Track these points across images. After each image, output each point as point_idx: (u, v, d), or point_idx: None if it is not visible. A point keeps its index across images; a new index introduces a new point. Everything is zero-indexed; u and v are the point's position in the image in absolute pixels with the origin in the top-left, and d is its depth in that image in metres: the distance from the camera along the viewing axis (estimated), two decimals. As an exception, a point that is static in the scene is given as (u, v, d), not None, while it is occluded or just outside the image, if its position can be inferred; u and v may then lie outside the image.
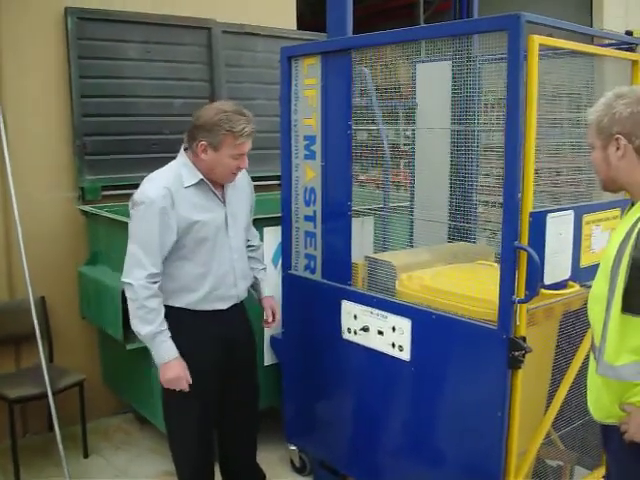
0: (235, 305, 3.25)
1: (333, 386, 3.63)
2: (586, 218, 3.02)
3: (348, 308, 3.43)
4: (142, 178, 4.75)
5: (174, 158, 4.90)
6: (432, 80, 3.87)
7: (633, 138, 2.18)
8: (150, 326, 2.98)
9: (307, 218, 3.67)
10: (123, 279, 3.02)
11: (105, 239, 4.47)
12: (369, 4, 11.19)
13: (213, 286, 3.12)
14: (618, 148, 2.21)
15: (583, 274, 3.03)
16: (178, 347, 3.04)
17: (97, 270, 4.43)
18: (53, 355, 4.55)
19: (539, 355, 2.94)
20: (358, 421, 3.51)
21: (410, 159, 3.96)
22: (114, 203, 4.71)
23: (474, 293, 3.02)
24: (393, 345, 3.23)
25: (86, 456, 4.34)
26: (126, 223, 3.97)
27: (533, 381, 2.97)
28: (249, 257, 3.38)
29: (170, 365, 3.02)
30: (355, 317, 3.40)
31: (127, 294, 3.02)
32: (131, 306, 3.00)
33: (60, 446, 3.95)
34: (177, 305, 3.11)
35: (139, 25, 4.86)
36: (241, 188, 3.28)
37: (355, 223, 3.50)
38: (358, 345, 3.41)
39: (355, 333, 3.40)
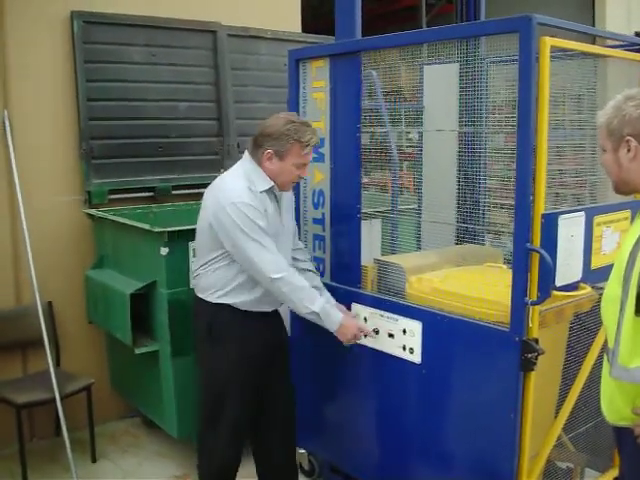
0: (276, 309, 3.37)
1: (343, 389, 3.63)
2: (597, 220, 3.01)
3: (358, 311, 3.42)
4: (148, 181, 4.85)
5: (179, 162, 4.99)
6: (439, 82, 3.86)
7: None
8: (316, 301, 3.14)
9: (315, 221, 3.67)
10: (269, 276, 3.06)
11: (112, 243, 4.47)
12: (371, 7, 11.19)
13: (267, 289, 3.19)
14: (629, 150, 2.21)
15: (594, 276, 3.02)
16: (228, 346, 3.19)
17: (104, 274, 4.43)
18: (60, 360, 4.54)
19: (549, 357, 2.93)
20: (368, 424, 3.50)
21: (418, 161, 3.95)
22: (121, 207, 4.72)
23: (484, 295, 3.01)
24: (404, 348, 3.22)
25: (94, 460, 4.33)
26: (132, 226, 4.03)
27: (543, 383, 2.96)
28: (301, 268, 3.45)
29: (345, 326, 3.20)
30: (365, 320, 3.39)
31: (282, 289, 3.09)
32: (291, 296, 3.11)
33: (68, 450, 3.95)
34: (229, 302, 3.20)
35: (145, 29, 4.86)
36: (287, 195, 3.37)
37: (363, 226, 3.50)
38: (368, 348, 3.40)
39: (365, 336, 3.39)
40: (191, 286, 3.47)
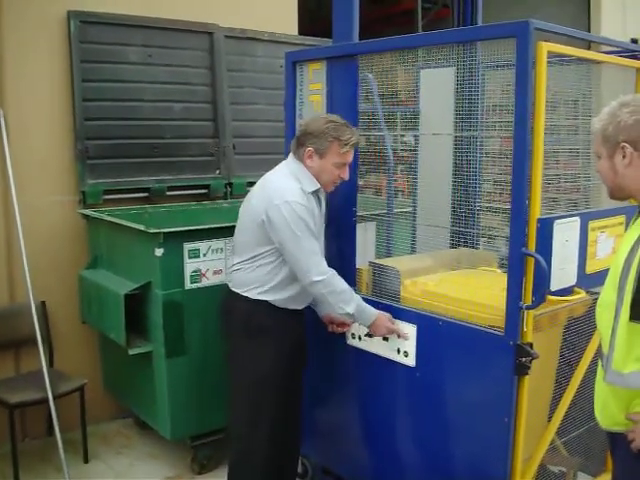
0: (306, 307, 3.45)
1: (337, 392, 3.63)
2: (592, 225, 3.03)
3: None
4: (143, 182, 4.84)
5: (175, 163, 4.98)
6: (436, 86, 3.87)
7: (639, 146, 2.20)
8: (352, 302, 3.17)
9: (311, 223, 3.66)
10: (312, 279, 3.12)
11: (106, 243, 4.47)
12: (368, 11, 11.20)
13: (303, 287, 3.24)
14: (624, 156, 2.22)
15: (589, 280, 3.03)
16: (266, 342, 3.26)
17: (98, 274, 4.42)
18: (53, 360, 4.53)
19: (543, 361, 2.93)
20: (362, 427, 3.50)
21: (413, 165, 3.95)
22: (115, 207, 4.72)
23: (478, 299, 3.02)
24: (398, 351, 3.22)
25: (86, 461, 4.32)
26: (127, 227, 4.02)
27: (536, 387, 2.97)
28: None
29: (378, 323, 3.21)
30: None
31: (321, 291, 3.15)
32: (329, 298, 3.16)
33: (61, 451, 3.93)
34: (268, 299, 3.26)
35: (141, 29, 4.86)
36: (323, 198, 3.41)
37: (358, 229, 3.50)
38: (363, 351, 3.40)
39: (360, 339, 3.40)
40: (226, 281, 3.48)
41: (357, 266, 3.48)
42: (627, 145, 2.20)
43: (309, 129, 3.21)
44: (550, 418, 3.15)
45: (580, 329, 3.16)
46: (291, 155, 3.31)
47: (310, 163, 3.22)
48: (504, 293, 2.80)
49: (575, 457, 3.37)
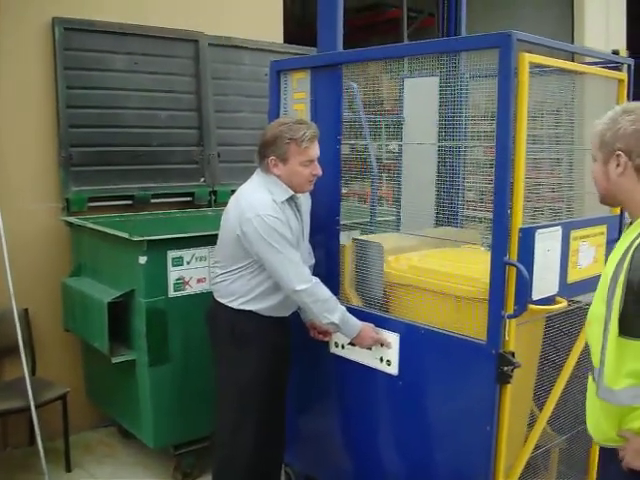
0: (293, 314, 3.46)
1: (320, 400, 3.63)
2: (574, 234, 3.04)
3: (336, 322, 3.42)
4: (127, 189, 4.83)
5: (159, 170, 4.98)
6: (420, 95, 3.89)
7: (634, 156, 2.16)
8: (337, 311, 3.18)
9: (295, 231, 3.66)
10: (294, 288, 3.12)
11: (90, 251, 4.46)
12: (353, 19, 11.24)
13: (287, 296, 3.25)
14: (618, 165, 2.18)
15: (570, 289, 3.05)
16: (251, 350, 3.27)
17: (82, 282, 4.41)
18: (36, 368, 4.50)
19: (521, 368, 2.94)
20: (345, 435, 3.50)
21: (397, 173, 3.96)
22: (99, 214, 4.70)
23: (463, 272, 3.02)
24: (381, 359, 3.23)
25: (69, 470, 4.29)
26: (110, 235, 4.02)
27: (514, 392, 2.97)
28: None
29: (362, 335, 3.21)
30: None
31: (304, 300, 3.16)
32: (313, 307, 3.17)
33: (43, 460, 3.90)
34: (251, 309, 3.27)
35: (126, 36, 4.86)
36: (304, 202, 3.40)
37: (342, 237, 3.50)
38: (346, 359, 3.40)
39: (343, 347, 3.40)
40: (211, 289, 3.49)
41: (341, 243, 3.46)
42: (622, 154, 2.16)
43: (265, 139, 3.21)
44: (531, 426, 3.16)
45: (560, 340, 3.17)
46: (258, 169, 3.30)
47: (277, 171, 3.20)
48: (488, 266, 2.78)
49: (560, 435, 3.36)
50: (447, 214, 3.43)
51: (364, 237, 3.52)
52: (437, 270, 3.12)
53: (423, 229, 3.69)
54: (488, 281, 2.79)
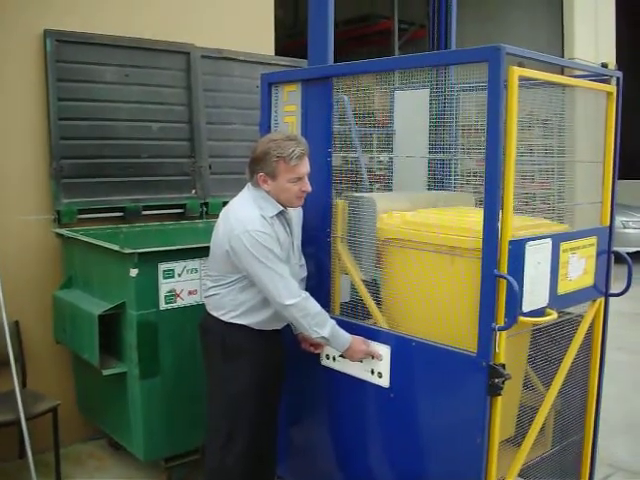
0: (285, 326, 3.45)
1: (311, 412, 3.63)
2: (563, 246, 3.05)
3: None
4: (118, 201, 4.83)
5: (150, 182, 4.97)
6: (410, 107, 3.91)
7: None
8: (327, 325, 3.18)
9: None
10: (283, 303, 3.12)
11: (80, 263, 4.44)
12: (344, 30, 11.31)
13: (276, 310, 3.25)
14: None
15: (560, 301, 3.07)
16: (242, 363, 3.27)
17: (72, 294, 4.39)
18: (26, 380, 4.48)
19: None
20: (337, 448, 3.49)
21: (388, 184, 3.97)
22: (90, 226, 4.69)
23: (457, 224, 3.02)
24: (372, 372, 3.23)
25: (59, 483, 4.27)
26: (101, 247, 4.01)
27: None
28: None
29: (353, 348, 3.21)
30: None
31: (294, 314, 3.16)
32: (303, 321, 3.16)
33: (33, 473, 3.87)
34: (242, 323, 3.28)
35: (118, 48, 4.87)
36: (295, 214, 3.40)
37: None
38: (337, 372, 3.40)
39: (334, 359, 3.40)
40: (203, 302, 3.49)
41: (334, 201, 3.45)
42: None
43: (254, 155, 3.21)
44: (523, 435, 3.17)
45: (549, 347, 3.19)
46: (249, 183, 3.31)
47: (266, 187, 3.21)
48: (481, 218, 2.77)
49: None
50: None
51: (357, 194, 3.47)
52: (431, 223, 3.11)
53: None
54: (481, 230, 2.77)
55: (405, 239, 3.16)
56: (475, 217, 2.94)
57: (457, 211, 3.36)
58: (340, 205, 3.42)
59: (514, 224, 2.79)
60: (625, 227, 12.19)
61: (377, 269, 3.33)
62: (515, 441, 3.19)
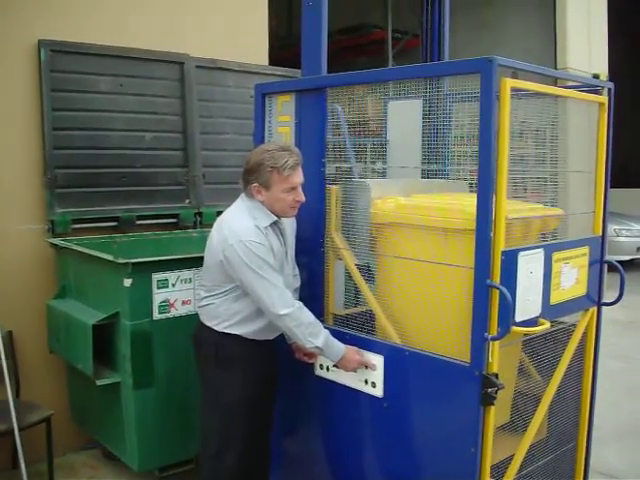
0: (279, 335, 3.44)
1: (305, 422, 3.62)
2: (556, 256, 3.07)
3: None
4: (112, 211, 4.83)
5: (144, 192, 4.98)
6: (403, 117, 3.92)
7: None
8: (320, 335, 3.19)
9: (280, 253, 3.67)
10: (277, 313, 3.13)
11: (74, 273, 4.44)
12: (338, 40, 11.34)
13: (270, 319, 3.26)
14: None
15: (553, 311, 3.08)
16: (236, 373, 3.28)
17: (66, 304, 4.39)
18: (20, 390, 4.47)
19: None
20: (330, 458, 3.49)
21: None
22: (84, 236, 4.70)
23: (450, 206, 3.03)
24: (366, 382, 3.23)
25: (53, 494, 4.26)
26: (95, 257, 4.01)
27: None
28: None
29: (347, 358, 3.22)
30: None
31: (288, 324, 3.16)
32: (296, 331, 3.17)
33: (26, 484, 3.88)
34: (236, 333, 3.28)
35: (112, 58, 4.88)
36: (289, 224, 3.41)
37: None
38: (331, 382, 3.40)
39: (328, 369, 3.40)
40: (197, 311, 3.49)
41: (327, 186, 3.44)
42: None
43: (248, 166, 3.22)
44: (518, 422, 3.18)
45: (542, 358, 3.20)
46: (243, 193, 3.32)
47: (260, 197, 3.22)
48: (474, 200, 2.77)
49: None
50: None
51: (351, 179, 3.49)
52: (425, 206, 3.11)
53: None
54: (475, 211, 2.77)
55: (399, 223, 3.16)
56: (469, 200, 2.93)
57: (450, 196, 3.36)
58: (334, 191, 3.42)
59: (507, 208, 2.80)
60: (618, 235, 12.25)
61: (371, 255, 3.32)
62: (510, 427, 3.19)
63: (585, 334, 3.44)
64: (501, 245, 2.76)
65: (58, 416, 4.34)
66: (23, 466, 3.90)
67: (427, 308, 3.07)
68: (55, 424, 4.25)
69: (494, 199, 2.73)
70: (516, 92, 2.84)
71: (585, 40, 10.36)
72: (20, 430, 3.91)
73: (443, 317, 3.01)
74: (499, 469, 3.04)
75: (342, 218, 3.40)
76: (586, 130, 3.51)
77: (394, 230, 3.20)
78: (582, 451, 3.56)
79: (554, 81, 3.64)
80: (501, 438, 3.09)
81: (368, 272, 3.36)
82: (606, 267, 3.57)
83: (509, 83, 2.71)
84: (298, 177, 3.22)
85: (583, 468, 3.59)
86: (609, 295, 3.51)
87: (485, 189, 2.72)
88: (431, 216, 3.03)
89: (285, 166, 3.15)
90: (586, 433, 3.55)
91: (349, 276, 3.43)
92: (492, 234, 2.73)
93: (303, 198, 3.26)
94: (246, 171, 3.23)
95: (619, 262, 3.55)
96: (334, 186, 3.42)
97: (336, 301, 3.50)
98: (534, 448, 3.22)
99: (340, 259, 3.43)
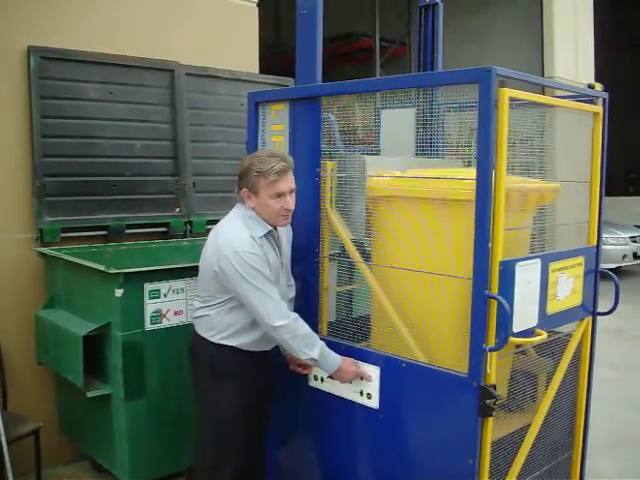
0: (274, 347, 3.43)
1: (300, 434, 3.59)
2: (552, 266, 3.06)
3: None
4: (102, 220, 4.79)
5: (134, 201, 4.94)
6: (396, 126, 3.91)
7: None
8: (316, 347, 3.16)
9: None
10: (273, 324, 3.10)
11: (63, 282, 4.39)
12: (326, 48, 11.36)
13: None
14: None
15: (549, 321, 3.08)
16: (231, 385, 3.25)
17: (55, 314, 4.33)
18: (7, 402, 4.41)
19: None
20: (326, 470, 3.46)
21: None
22: (73, 245, 4.64)
23: (449, 175, 3.02)
24: (361, 393, 3.21)
25: (41, 506, 4.20)
26: (86, 267, 3.97)
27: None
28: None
29: (343, 370, 3.19)
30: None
31: (283, 336, 3.13)
32: (292, 342, 3.14)
33: (14, 497, 3.82)
34: (231, 344, 3.25)
35: (102, 66, 4.84)
36: (285, 234, 3.39)
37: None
38: (325, 393, 3.38)
39: (322, 381, 3.38)
40: (191, 321, 3.46)
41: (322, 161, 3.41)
42: None
43: (238, 172, 3.23)
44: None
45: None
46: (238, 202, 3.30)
47: (250, 204, 3.20)
48: (474, 174, 2.75)
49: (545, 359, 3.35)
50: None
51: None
52: (419, 178, 3.11)
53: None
54: (475, 181, 2.74)
55: (396, 196, 3.14)
56: (465, 173, 2.93)
57: (446, 170, 3.35)
58: (329, 165, 3.39)
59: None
60: (605, 244, 12.29)
61: (367, 229, 3.30)
62: (507, 407, 3.18)
63: (580, 344, 3.43)
64: (499, 255, 2.74)
65: (46, 428, 4.28)
66: (11, 479, 3.84)
67: (422, 319, 3.07)
68: (44, 436, 4.20)
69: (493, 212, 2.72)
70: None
71: (572, 49, 10.43)
72: (8, 443, 3.85)
73: (440, 326, 3.00)
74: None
75: (337, 191, 3.38)
76: (580, 139, 3.51)
77: (390, 203, 3.17)
78: (577, 460, 3.55)
79: (541, 89, 3.65)
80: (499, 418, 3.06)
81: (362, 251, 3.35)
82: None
83: (507, 93, 2.70)
84: (285, 184, 3.17)
85: (578, 477, 3.59)
86: (601, 304, 3.51)
87: (483, 199, 2.71)
88: (429, 187, 3.01)
89: (271, 171, 3.11)
90: (582, 442, 3.55)
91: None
92: (490, 244, 2.72)
93: (291, 206, 3.21)
94: (238, 176, 3.23)
95: (605, 270, 3.55)
96: (330, 161, 3.40)
97: (329, 311, 3.49)
98: (530, 459, 3.20)
99: (335, 234, 3.40)
